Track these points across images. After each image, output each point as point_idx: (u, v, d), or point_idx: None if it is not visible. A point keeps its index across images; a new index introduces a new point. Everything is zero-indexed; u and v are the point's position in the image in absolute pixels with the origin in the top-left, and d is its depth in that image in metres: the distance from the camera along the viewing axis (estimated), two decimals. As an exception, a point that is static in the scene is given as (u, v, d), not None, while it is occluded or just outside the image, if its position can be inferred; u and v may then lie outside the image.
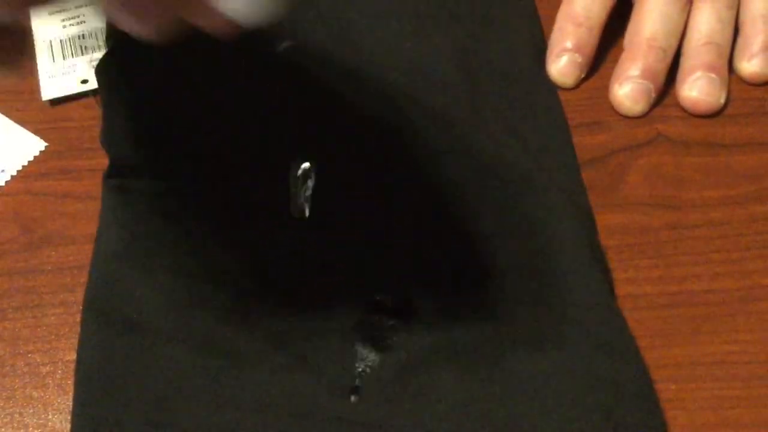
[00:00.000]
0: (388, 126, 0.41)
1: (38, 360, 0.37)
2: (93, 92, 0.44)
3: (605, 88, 0.44)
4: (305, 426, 0.34)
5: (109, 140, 0.40)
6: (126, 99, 0.41)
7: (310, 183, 0.39)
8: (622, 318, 0.36)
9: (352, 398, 0.35)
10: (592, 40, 0.44)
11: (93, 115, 0.44)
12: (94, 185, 0.41)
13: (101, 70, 0.42)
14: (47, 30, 0.47)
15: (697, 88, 0.42)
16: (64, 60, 0.46)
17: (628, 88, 0.42)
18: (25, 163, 0.42)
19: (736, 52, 0.44)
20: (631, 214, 0.40)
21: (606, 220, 0.40)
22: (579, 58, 0.43)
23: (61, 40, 0.46)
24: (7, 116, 0.44)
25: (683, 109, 0.43)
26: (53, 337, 0.37)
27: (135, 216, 0.39)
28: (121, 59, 0.42)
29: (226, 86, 0.41)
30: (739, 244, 0.39)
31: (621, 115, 0.43)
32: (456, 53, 0.44)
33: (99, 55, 0.46)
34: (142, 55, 0.42)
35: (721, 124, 0.43)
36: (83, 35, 0.47)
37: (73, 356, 0.36)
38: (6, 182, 0.42)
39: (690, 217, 0.40)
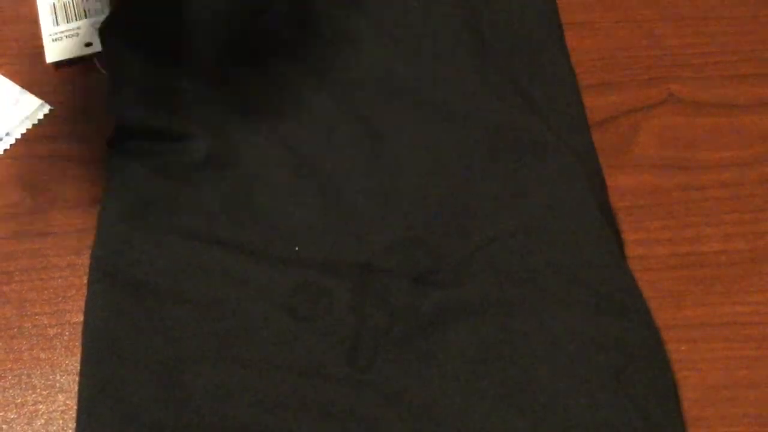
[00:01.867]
0: (395, 88, 0.41)
1: (45, 322, 0.37)
2: (97, 55, 0.44)
3: (616, 49, 0.43)
4: (313, 386, 0.34)
5: (114, 103, 0.40)
6: (130, 61, 0.40)
7: None
8: (633, 279, 0.36)
9: (360, 359, 0.34)
10: None
11: (98, 78, 0.43)
12: (99, 148, 0.41)
13: (105, 31, 0.41)
14: (50, -7, 0.46)
15: None
16: (68, 23, 0.45)
17: None
18: (30, 127, 0.42)
19: None
20: (641, 176, 0.40)
21: (617, 182, 0.39)
22: None
23: (64, 3, 0.46)
24: (11, 80, 0.44)
25: (695, 69, 0.43)
26: (60, 299, 0.37)
27: (141, 178, 0.38)
28: (125, 21, 0.41)
29: (231, 44, 0.41)
30: (751, 205, 0.39)
31: (631, 75, 0.42)
32: (465, 15, 0.43)
33: (102, 18, 0.45)
34: (145, 16, 0.41)
35: (734, 84, 0.42)
36: (87, -2, 0.46)
37: (80, 318, 0.36)
38: (11, 146, 0.42)
39: (701, 178, 0.40)
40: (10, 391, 0.35)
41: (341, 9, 0.43)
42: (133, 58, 0.40)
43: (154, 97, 0.40)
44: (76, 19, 0.45)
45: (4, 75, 0.44)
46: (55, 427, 0.34)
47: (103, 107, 0.41)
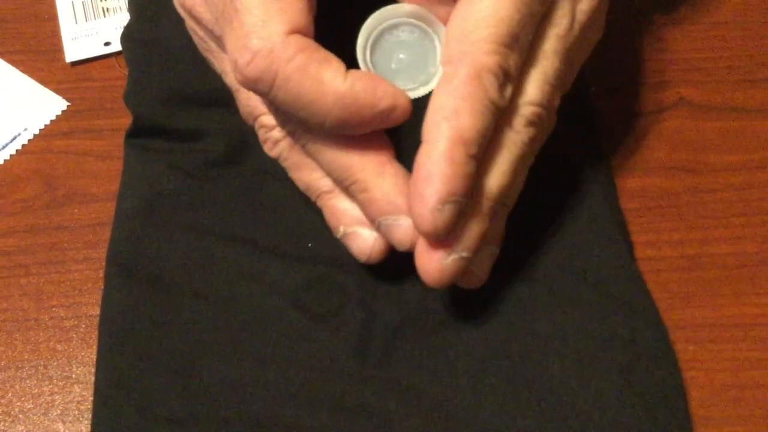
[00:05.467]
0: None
1: (62, 314, 0.37)
2: (116, 54, 0.45)
3: (628, 52, 0.44)
4: (325, 382, 0.34)
5: (133, 100, 0.41)
6: (150, 66, 0.41)
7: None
8: (642, 280, 0.36)
9: (371, 355, 0.35)
10: None
11: (114, 75, 0.44)
12: (115, 144, 0.41)
13: (126, 37, 0.42)
14: (69, -9, 0.47)
15: None
16: (87, 22, 0.46)
17: None
18: (48, 122, 0.43)
19: None
20: (651, 178, 0.40)
21: (627, 184, 0.40)
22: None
23: (83, 2, 0.46)
24: (29, 76, 0.44)
25: (706, 74, 0.43)
26: (77, 292, 0.38)
27: (156, 174, 0.39)
28: (147, 24, 0.42)
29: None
30: (760, 208, 0.39)
31: (642, 79, 0.43)
32: None
33: (121, 17, 0.46)
34: (167, 19, 0.42)
35: (743, 89, 0.43)
36: (105, -3, 0.47)
37: (97, 311, 0.36)
38: (29, 140, 0.42)
39: (710, 180, 0.40)
40: (27, 381, 0.35)
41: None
42: (153, 63, 0.41)
43: (173, 101, 0.40)
44: (95, 19, 0.46)
45: (22, 71, 0.45)
46: (70, 418, 0.35)
47: (120, 104, 0.42)
